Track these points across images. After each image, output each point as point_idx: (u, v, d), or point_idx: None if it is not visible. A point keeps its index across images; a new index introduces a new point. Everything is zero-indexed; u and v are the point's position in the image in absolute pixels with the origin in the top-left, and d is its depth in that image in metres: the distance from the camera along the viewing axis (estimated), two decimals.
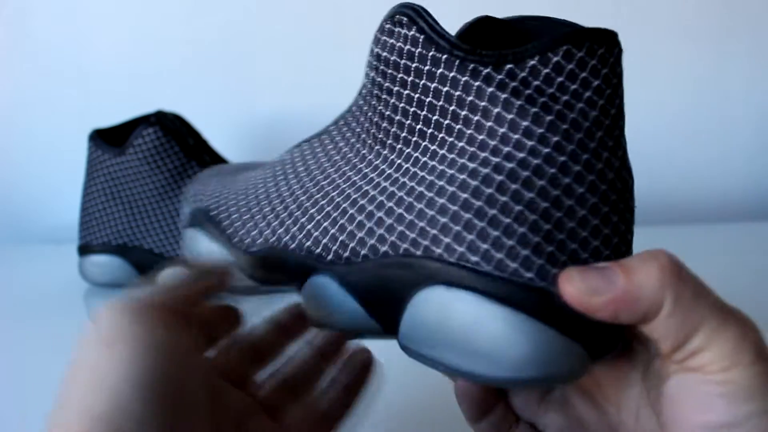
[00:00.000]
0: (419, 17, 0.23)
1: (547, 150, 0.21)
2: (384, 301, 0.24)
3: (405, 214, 0.23)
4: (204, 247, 0.31)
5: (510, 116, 0.21)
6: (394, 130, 0.24)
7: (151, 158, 0.56)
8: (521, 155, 0.21)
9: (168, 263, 0.28)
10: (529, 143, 0.21)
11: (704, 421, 0.19)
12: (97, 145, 0.58)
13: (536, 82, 0.21)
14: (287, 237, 0.27)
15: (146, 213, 0.57)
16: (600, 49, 0.21)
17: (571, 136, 0.21)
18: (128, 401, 0.18)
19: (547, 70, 0.21)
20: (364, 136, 0.26)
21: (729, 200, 0.83)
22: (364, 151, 0.26)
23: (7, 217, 0.78)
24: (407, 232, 0.23)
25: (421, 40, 0.23)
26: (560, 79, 0.21)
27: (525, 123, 0.21)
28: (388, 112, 0.24)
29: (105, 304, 0.21)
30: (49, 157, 0.78)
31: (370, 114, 0.26)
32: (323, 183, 0.27)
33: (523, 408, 0.26)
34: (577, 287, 0.19)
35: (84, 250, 0.58)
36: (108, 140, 0.59)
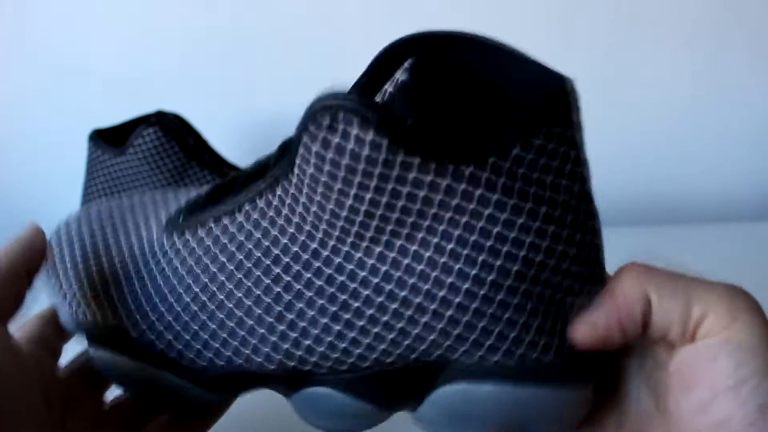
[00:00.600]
0: (373, 114, 0.18)
1: (546, 243, 0.20)
2: (398, 399, 0.23)
3: (408, 328, 0.21)
4: (135, 374, 0.24)
5: (504, 216, 0.20)
6: (356, 230, 0.20)
7: (151, 158, 0.56)
8: (522, 254, 0.20)
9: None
10: (528, 240, 0.20)
11: (711, 386, 0.19)
12: (97, 145, 0.58)
13: (522, 170, 0.20)
14: (261, 359, 0.23)
15: None
16: (574, 116, 0.20)
17: (564, 221, 0.21)
18: None
19: (531, 156, 0.20)
20: (308, 229, 0.21)
21: (729, 200, 0.83)
22: (314, 246, 0.21)
23: (7, 217, 0.78)
24: (415, 345, 0.21)
25: (384, 145, 0.18)
26: (543, 161, 0.20)
27: (520, 220, 0.20)
28: (344, 213, 0.20)
29: None
30: (49, 157, 0.78)
31: (314, 209, 0.21)
32: (277, 290, 0.22)
33: None
34: (583, 332, 0.21)
35: None
36: (108, 140, 0.59)
